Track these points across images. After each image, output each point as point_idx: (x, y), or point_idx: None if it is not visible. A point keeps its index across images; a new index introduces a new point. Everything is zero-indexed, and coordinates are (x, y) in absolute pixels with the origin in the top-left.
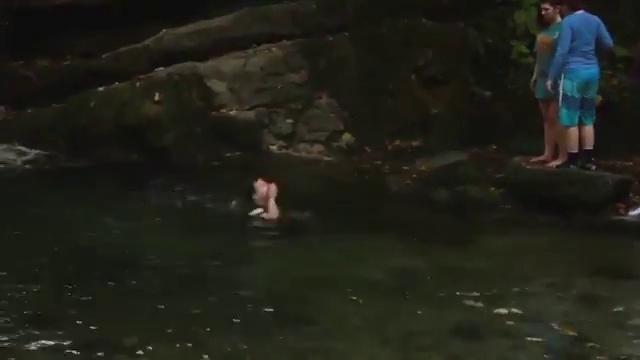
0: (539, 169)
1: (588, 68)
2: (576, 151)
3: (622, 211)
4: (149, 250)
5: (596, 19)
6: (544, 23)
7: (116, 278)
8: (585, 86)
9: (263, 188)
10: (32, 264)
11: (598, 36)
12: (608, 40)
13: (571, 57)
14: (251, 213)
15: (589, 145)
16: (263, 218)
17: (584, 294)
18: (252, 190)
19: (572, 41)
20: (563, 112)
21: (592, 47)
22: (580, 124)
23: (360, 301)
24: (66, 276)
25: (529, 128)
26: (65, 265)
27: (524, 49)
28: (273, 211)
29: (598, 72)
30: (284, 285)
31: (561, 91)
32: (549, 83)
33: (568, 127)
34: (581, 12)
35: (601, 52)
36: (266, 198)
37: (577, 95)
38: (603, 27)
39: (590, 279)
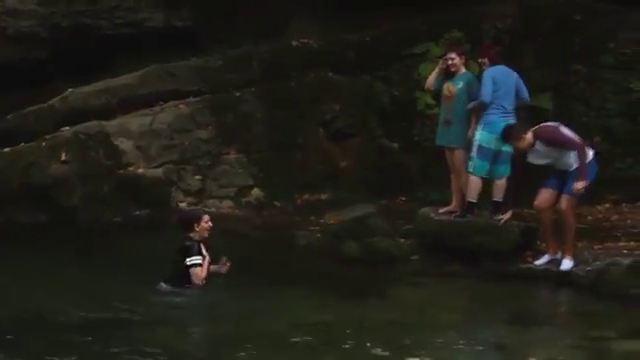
0: (447, 219)
1: (507, 121)
2: (475, 201)
3: (530, 259)
4: (47, 312)
5: (515, 74)
6: (449, 73)
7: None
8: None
9: (208, 224)
10: None
11: (516, 90)
12: (525, 94)
13: (490, 109)
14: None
15: (498, 197)
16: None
17: (495, 343)
18: (195, 218)
19: (493, 92)
20: (476, 162)
21: (512, 101)
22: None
23: (267, 357)
24: None
25: (437, 178)
26: None
27: (430, 100)
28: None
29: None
30: (187, 343)
31: (477, 142)
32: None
33: (474, 175)
34: (501, 66)
35: (518, 105)
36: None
37: (493, 147)
38: (521, 81)
39: (501, 328)
